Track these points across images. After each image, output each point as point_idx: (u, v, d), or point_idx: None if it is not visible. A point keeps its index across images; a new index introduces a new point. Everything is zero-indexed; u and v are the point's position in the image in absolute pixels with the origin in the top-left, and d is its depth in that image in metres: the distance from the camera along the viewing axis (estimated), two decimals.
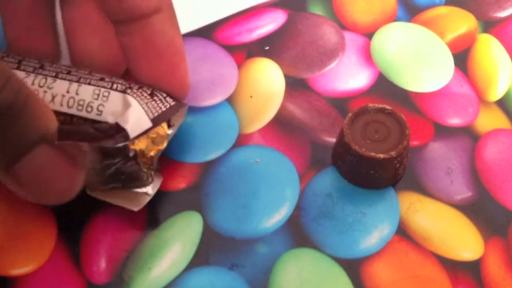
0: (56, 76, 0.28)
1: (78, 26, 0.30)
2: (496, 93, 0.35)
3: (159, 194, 0.30)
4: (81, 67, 0.29)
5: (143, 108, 0.28)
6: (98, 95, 0.28)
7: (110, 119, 0.27)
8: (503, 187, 0.32)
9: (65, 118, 0.28)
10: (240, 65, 0.35)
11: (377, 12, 0.37)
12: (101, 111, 0.27)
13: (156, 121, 0.28)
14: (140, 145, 0.28)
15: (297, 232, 0.30)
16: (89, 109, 0.28)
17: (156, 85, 0.29)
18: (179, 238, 0.30)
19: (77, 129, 0.27)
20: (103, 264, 0.29)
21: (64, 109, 0.28)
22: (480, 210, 0.31)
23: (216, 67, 0.35)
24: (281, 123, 0.33)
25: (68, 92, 0.28)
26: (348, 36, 0.36)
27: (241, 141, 0.33)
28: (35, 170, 0.24)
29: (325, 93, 0.34)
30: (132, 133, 0.27)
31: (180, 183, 0.31)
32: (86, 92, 0.28)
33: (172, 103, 0.29)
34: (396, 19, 0.37)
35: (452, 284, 0.29)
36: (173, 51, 0.29)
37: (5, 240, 0.30)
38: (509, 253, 0.30)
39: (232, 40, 0.36)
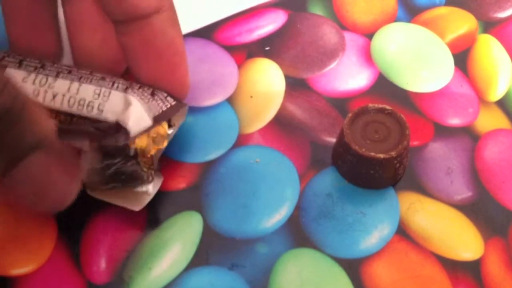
0: (57, 76, 0.28)
1: (79, 24, 0.30)
2: (496, 93, 0.35)
3: (159, 194, 0.30)
4: (82, 67, 0.29)
5: (143, 107, 0.28)
6: (99, 94, 0.28)
7: (111, 118, 0.27)
8: (503, 187, 0.32)
9: (65, 117, 0.28)
10: (240, 65, 0.35)
11: (377, 12, 0.37)
12: (102, 110, 0.28)
13: (156, 120, 0.28)
14: (140, 143, 0.28)
15: (297, 232, 0.30)
16: (89, 108, 0.28)
17: (156, 85, 0.29)
18: (179, 238, 0.30)
19: (77, 128, 0.27)
20: (103, 264, 0.29)
21: (65, 108, 0.28)
22: (480, 210, 0.31)
23: (216, 67, 0.35)
24: (281, 123, 0.33)
25: (68, 91, 0.28)
26: (348, 36, 0.36)
27: (241, 141, 0.33)
28: (31, 175, 0.24)
29: (325, 93, 0.34)
30: (133, 131, 0.27)
31: (180, 183, 0.31)
32: (87, 91, 0.28)
33: (173, 103, 0.29)
34: (396, 19, 0.37)
35: (452, 284, 0.29)
36: (173, 51, 0.29)
37: (5, 240, 0.30)
38: (509, 253, 0.30)
39: (232, 41, 0.36)
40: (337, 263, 0.30)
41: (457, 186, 0.32)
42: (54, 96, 0.28)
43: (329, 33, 0.36)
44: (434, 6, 0.38)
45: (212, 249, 0.30)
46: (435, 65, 0.35)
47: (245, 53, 0.36)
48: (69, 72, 0.29)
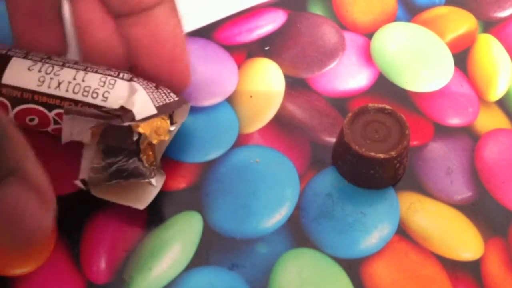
0: (63, 65, 0.29)
1: (87, 21, 0.30)
2: (496, 93, 0.35)
3: (159, 194, 0.30)
4: (89, 63, 0.30)
5: (148, 95, 0.28)
6: (105, 82, 0.28)
7: (116, 105, 0.28)
8: (503, 187, 0.32)
9: (70, 104, 0.28)
10: (240, 65, 0.35)
11: (377, 12, 0.37)
12: (107, 98, 0.28)
13: (160, 110, 0.28)
14: (144, 130, 0.28)
15: (297, 232, 0.30)
16: (94, 95, 0.28)
17: (158, 75, 0.30)
18: (179, 238, 0.30)
19: (83, 110, 0.27)
20: (103, 264, 0.29)
21: (70, 95, 0.28)
22: (480, 210, 0.31)
23: (216, 67, 0.35)
24: (281, 123, 0.33)
25: (74, 79, 0.28)
26: (348, 36, 0.36)
27: (241, 141, 0.33)
28: (2, 203, 0.23)
29: (325, 93, 0.34)
30: (138, 115, 0.27)
31: (180, 183, 0.31)
32: (93, 79, 0.28)
33: (176, 98, 0.30)
34: (396, 19, 0.37)
35: (452, 284, 0.29)
36: (174, 42, 0.29)
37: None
38: (509, 253, 0.30)
39: (232, 40, 0.36)
40: (337, 263, 0.30)
41: (457, 186, 0.32)
42: (59, 84, 0.28)
43: (329, 33, 0.36)
44: (434, 5, 0.38)
45: (212, 249, 0.30)
46: (435, 65, 0.35)
47: (245, 53, 0.36)
48: (75, 63, 0.29)
